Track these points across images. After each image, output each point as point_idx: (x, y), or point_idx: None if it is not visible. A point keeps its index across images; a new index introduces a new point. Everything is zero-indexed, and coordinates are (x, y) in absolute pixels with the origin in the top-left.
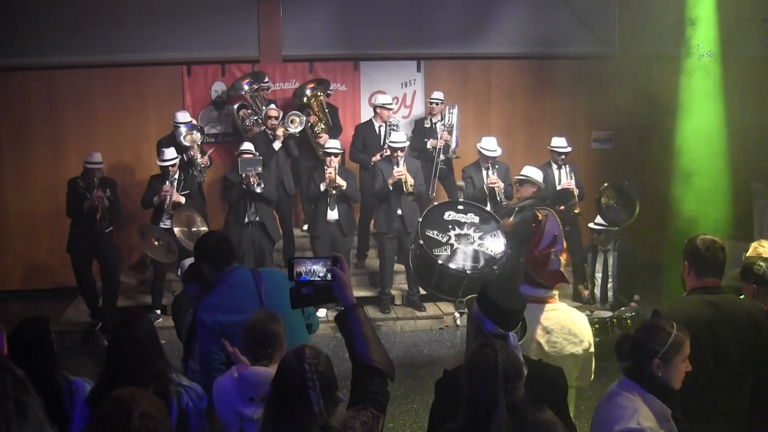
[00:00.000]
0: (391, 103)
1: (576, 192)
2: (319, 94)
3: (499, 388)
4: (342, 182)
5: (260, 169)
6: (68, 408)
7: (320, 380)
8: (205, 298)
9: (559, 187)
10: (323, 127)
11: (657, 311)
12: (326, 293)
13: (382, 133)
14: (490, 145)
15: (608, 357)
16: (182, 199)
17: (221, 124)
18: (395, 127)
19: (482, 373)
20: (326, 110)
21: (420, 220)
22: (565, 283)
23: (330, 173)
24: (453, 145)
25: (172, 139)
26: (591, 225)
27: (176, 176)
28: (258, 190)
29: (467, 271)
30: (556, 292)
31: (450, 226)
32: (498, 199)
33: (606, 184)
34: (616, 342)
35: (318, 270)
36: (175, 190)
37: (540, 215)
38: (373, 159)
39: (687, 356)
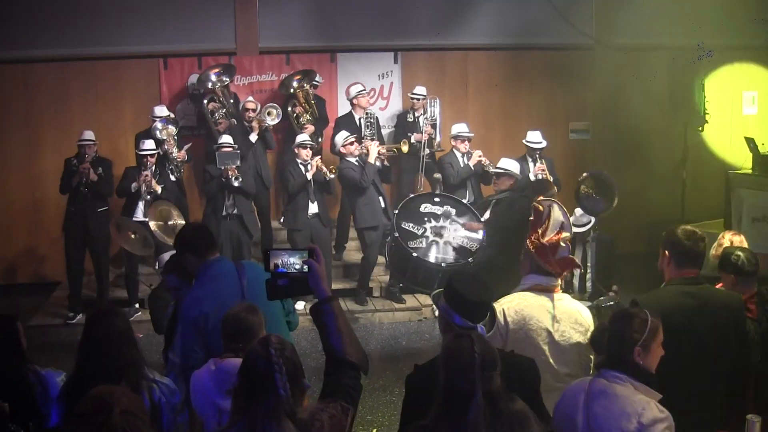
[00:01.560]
0: (362, 89)
1: (551, 180)
2: (305, 85)
3: (476, 376)
4: (328, 172)
5: (239, 162)
6: (41, 402)
7: (286, 365)
8: (187, 293)
9: (531, 175)
10: (309, 118)
11: (636, 302)
12: (301, 285)
13: (362, 125)
14: (535, 137)
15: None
16: (158, 189)
17: (194, 117)
18: (373, 120)
19: (459, 362)
20: (312, 101)
21: (396, 212)
22: (577, 268)
23: (317, 161)
24: (437, 138)
25: (149, 133)
26: (572, 219)
27: (152, 168)
28: (236, 184)
29: (442, 264)
30: (559, 281)
31: (426, 219)
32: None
33: (585, 174)
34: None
35: (294, 262)
36: (150, 188)
37: (542, 207)
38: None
39: (662, 341)
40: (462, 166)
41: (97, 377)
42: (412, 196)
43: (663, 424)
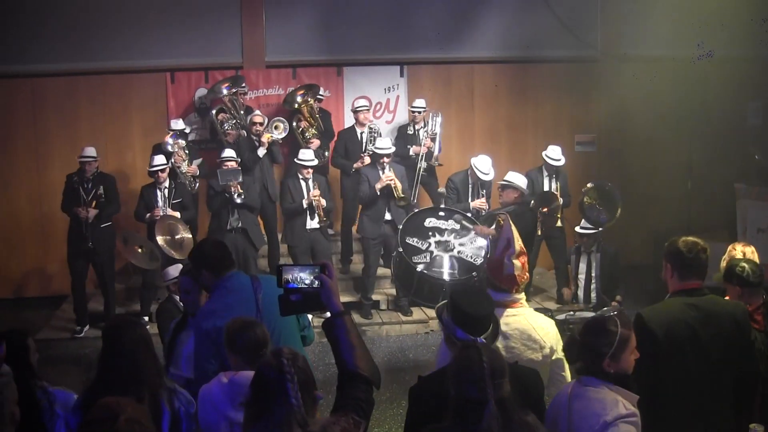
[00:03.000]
0: (365, 105)
1: (559, 195)
2: (309, 99)
3: (487, 384)
4: (325, 204)
5: (240, 178)
6: (46, 418)
7: (298, 375)
8: (202, 306)
9: (545, 188)
10: (314, 132)
11: (640, 315)
12: (314, 300)
13: (364, 139)
14: (483, 167)
15: None
16: (177, 215)
17: (205, 131)
18: (377, 133)
19: (469, 372)
20: (318, 115)
21: (400, 227)
22: (516, 285)
23: (315, 194)
24: (436, 152)
25: (161, 148)
26: (577, 229)
27: (166, 184)
28: (238, 201)
29: (446, 279)
30: (520, 297)
31: (430, 233)
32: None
33: (589, 185)
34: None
35: (305, 277)
36: (167, 205)
37: (501, 219)
38: (355, 165)
39: (634, 347)
40: (465, 201)
41: (117, 388)
42: (416, 210)
43: (626, 420)
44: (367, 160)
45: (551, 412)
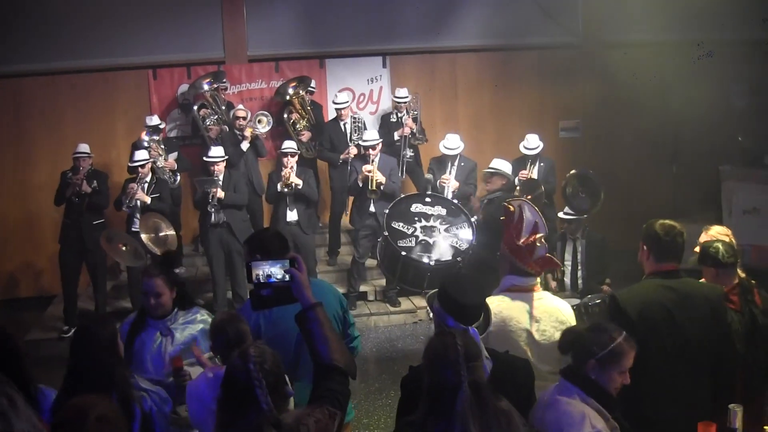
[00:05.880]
0: (346, 102)
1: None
2: (300, 91)
3: (461, 367)
4: (297, 181)
5: (218, 185)
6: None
7: (266, 378)
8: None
9: (517, 179)
10: (305, 124)
11: (615, 297)
12: (285, 294)
13: (348, 130)
14: (451, 143)
15: None
16: (147, 199)
17: (188, 126)
18: (361, 123)
19: (443, 357)
20: (309, 107)
21: (386, 212)
22: (556, 267)
23: (285, 173)
24: (416, 131)
25: (139, 144)
26: (560, 214)
27: (147, 179)
28: (211, 210)
29: (431, 263)
30: (538, 280)
31: (416, 218)
32: (450, 197)
33: (571, 173)
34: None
35: (276, 272)
36: (143, 191)
37: (512, 207)
38: (342, 156)
39: (627, 370)
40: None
41: (85, 389)
42: (403, 196)
43: None
44: (354, 150)
45: (533, 412)
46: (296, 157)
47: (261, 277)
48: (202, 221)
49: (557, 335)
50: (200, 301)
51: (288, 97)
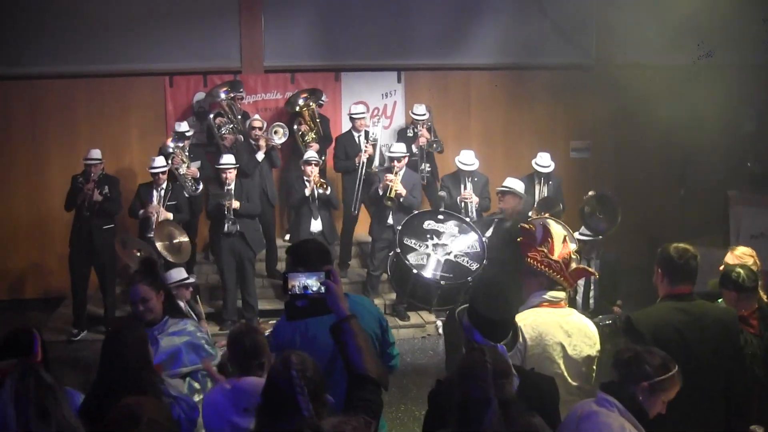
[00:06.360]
0: (362, 113)
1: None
2: (311, 103)
3: (489, 384)
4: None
5: (232, 197)
6: None
7: (308, 385)
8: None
9: (536, 196)
10: (314, 136)
11: (629, 317)
12: (320, 305)
13: (362, 142)
14: (467, 159)
15: None
16: (169, 216)
17: (202, 134)
18: (375, 134)
19: (473, 373)
20: (317, 120)
21: (399, 228)
22: (592, 275)
23: (314, 175)
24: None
25: (161, 150)
26: (576, 234)
27: (164, 185)
28: (229, 223)
29: (440, 282)
30: (566, 296)
31: (428, 235)
32: (470, 214)
33: (590, 194)
34: (618, 350)
35: (311, 283)
36: (162, 206)
37: (532, 226)
38: (357, 160)
39: (670, 399)
40: (456, 198)
41: (114, 393)
42: (416, 212)
43: None
44: (370, 149)
45: (563, 426)
46: (318, 167)
47: (297, 288)
48: (213, 230)
49: (586, 350)
50: (210, 309)
51: (298, 108)
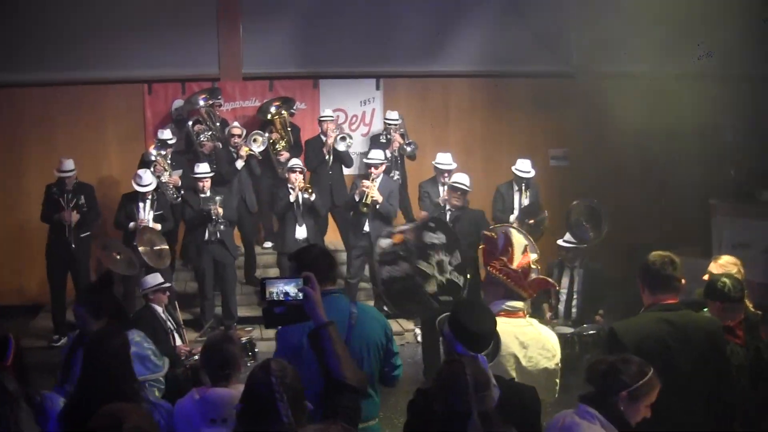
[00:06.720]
0: (329, 116)
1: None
2: (283, 112)
3: (470, 397)
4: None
5: (217, 203)
6: (40, 421)
7: (287, 392)
8: (92, 328)
9: (515, 202)
10: (284, 145)
11: (613, 329)
12: (298, 312)
13: (329, 145)
14: (444, 159)
15: (568, 373)
16: (158, 227)
17: (181, 141)
18: (346, 138)
19: (454, 385)
20: (288, 129)
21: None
22: (552, 287)
23: (299, 182)
24: (405, 143)
25: (145, 161)
26: (560, 242)
27: (148, 195)
28: (216, 221)
29: (438, 306)
30: (525, 305)
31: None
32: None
33: (576, 202)
34: (591, 363)
35: (289, 290)
36: (149, 216)
37: (494, 234)
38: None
39: (651, 402)
40: (436, 200)
41: (95, 399)
42: (411, 226)
43: None
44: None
45: None
46: (302, 174)
47: (275, 294)
48: (191, 237)
49: (543, 362)
50: (189, 316)
51: (269, 116)
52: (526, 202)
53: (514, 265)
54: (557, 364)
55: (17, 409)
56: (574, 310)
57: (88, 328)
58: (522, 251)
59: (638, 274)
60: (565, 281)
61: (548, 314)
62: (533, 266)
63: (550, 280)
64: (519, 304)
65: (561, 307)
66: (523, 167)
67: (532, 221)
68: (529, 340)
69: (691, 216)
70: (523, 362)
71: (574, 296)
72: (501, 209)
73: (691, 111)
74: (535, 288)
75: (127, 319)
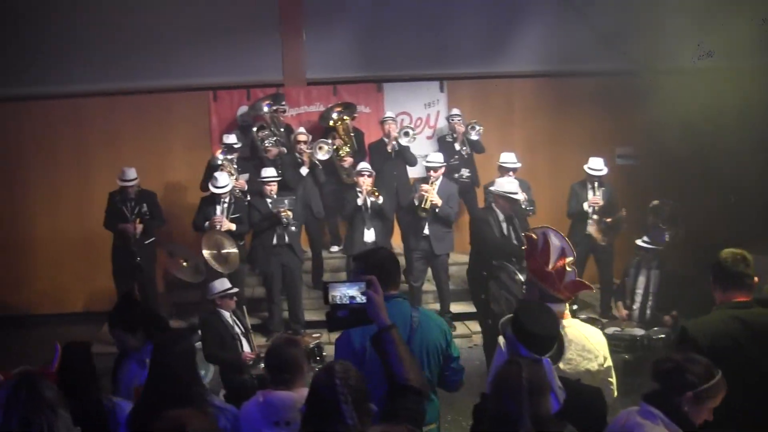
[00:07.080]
0: (391, 116)
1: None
2: (345, 117)
3: (523, 399)
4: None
5: (287, 204)
6: (112, 428)
7: (352, 394)
8: (134, 346)
9: (586, 204)
10: (348, 150)
11: (684, 327)
12: (361, 315)
13: (393, 139)
14: (508, 159)
15: (636, 374)
16: (232, 227)
17: (247, 148)
18: (409, 132)
19: (507, 386)
20: (351, 134)
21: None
22: (588, 289)
23: (367, 185)
24: (469, 127)
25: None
26: (638, 242)
27: (225, 199)
28: (286, 223)
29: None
30: (567, 307)
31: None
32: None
33: (655, 203)
34: (657, 359)
35: (352, 293)
36: (225, 217)
37: (534, 235)
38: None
39: (716, 406)
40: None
41: (162, 404)
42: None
43: None
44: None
45: None
46: (371, 178)
47: (338, 298)
48: (259, 241)
49: (584, 364)
50: (257, 320)
51: (331, 122)
52: (600, 199)
53: (549, 266)
54: (602, 365)
55: (53, 416)
56: (648, 311)
57: (129, 346)
58: (558, 253)
59: (711, 271)
60: (641, 281)
61: (624, 314)
62: (569, 269)
63: (586, 283)
64: (559, 305)
65: (635, 307)
66: (596, 165)
67: (609, 219)
68: (567, 342)
69: (763, 214)
70: (561, 365)
71: (650, 298)
72: (576, 207)
73: (759, 106)
74: (571, 290)
75: (167, 326)
